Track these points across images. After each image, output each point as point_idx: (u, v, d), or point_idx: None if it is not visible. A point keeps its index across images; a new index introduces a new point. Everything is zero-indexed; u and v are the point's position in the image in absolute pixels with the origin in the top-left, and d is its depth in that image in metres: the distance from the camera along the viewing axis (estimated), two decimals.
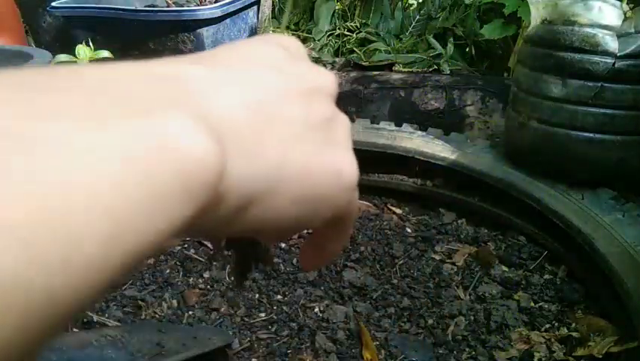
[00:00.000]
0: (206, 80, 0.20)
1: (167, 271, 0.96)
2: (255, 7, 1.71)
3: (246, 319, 0.86)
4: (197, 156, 0.17)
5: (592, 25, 0.93)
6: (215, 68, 0.21)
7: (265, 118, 0.21)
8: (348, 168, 0.25)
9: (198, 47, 1.47)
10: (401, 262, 0.99)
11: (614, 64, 0.91)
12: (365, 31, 1.91)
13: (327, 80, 0.26)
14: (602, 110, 0.94)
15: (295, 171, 0.22)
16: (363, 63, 1.76)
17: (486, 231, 1.09)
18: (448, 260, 1.01)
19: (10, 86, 0.15)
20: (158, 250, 0.16)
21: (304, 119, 0.23)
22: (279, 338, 0.82)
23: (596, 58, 0.92)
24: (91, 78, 0.17)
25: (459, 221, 1.13)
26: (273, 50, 0.25)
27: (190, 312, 0.87)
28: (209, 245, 1.02)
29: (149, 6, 1.65)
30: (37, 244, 0.13)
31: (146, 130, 0.16)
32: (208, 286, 0.92)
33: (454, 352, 0.80)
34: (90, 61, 1.28)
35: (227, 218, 0.20)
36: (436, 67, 1.71)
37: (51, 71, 0.17)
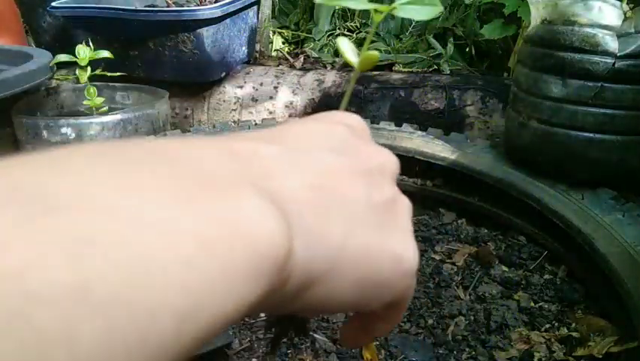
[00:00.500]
0: (275, 160, 0.21)
1: None
2: (255, 7, 1.71)
3: (246, 319, 0.86)
4: (267, 239, 0.17)
5: (592, 25, 0.93)
6: (284, 149, 0.22)
7: (328, 199, 0.21)
8: (409, 254, 0.24)
9: (198, 46, 1.47)
10: None
11: (614, 64, 0.91)
12: (365, 31, 1.91)
13: (389, 161, 0.26)
14: (602, 110, 0.94)
15: (356, 254, 0.22)
16: None
17: (486, 231, 1.09)
18: (448, 260, 1.01)
19: (105, 161, 0.16)
20: (228, 325, 0.17)
21: (366, 201, 0.23)
22: None
23: (596, 58, 0.92)
24: (176, 155, 0.18)
25: (459, 221, 1.13)
26: (339, 130, 0.25)
27: None
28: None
29: (149, 6, 1.65)
30: (118, 318, 0.13)
31: (220, 213, 0.16)
32: None
33: (454, 352, 0.80)
34: (90, 61, 1.28)
35: (291, 296, 0.21)
36: (436, 67, 1.71)
37: (140, 146, 0.18)
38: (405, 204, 0.26)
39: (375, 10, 0.30)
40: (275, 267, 0.18)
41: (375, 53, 0.31)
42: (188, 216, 0.16)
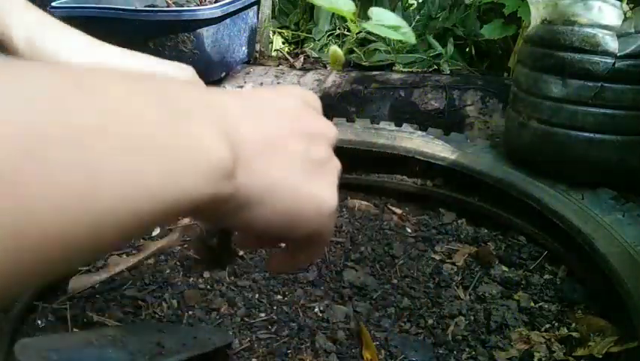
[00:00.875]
0: (238, 110, 0.28)
1: (167, 271, 0.96)
2: (255, 7, 1.71)
3: (246, 319, 0.86)
4: (217, 156, 0.24)
5: (592, 25, 0.93)
6: (247, 105, 0.29)
7: (273, 148, 0.29)
8: (329, 199, 0.32)
9: (198, 46, 1.47)
10: (401, 262, 0.99)
11: (614, 64, 0.91)
12: (365, 32, 1.91)
13: (330, 131, 0.34)
14: (602, 110, 0.94)
15: (286, 192, 0.29)
16: (363, 63, 1.76)
17: (486, 231, 1.09)
18: (448, 260, 1.01)
19: (124, 82, 0.23)
20: (170, 217, 0.24)
21: (303, 155, 0.30)
22: (279, 338, 0.82)
23: (596, 58, 0.92)
24: (173, 92, 0.25)
25: (459, 221, 1.13)
26: (295, 100, 0.33)
27: (190, 312, 0.87)
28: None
29: (149, 6, 1.65)
30: (124, 152, 0.21)
31: (191, 134, 0.24)
32: (208, 286, 0.92)
33: (454, 352, 0.80)
34: None
35: (232, 211, 0.28)
36: (436, 67, 1.71)
37: (152, 80, 0.26)
38: (335, 165, 0.34)
39: (353, 21, 0.40)
40: (220, 177, 0.25)
41: (339, 51, 0.39)
42: (169, 127, 0.23)
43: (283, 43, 1.99)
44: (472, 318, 0.87)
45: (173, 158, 0.23)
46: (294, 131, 0.30)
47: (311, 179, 0.30)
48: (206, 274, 0.95)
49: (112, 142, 0.20)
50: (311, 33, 1.98)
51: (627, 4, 0.95)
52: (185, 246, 1.03)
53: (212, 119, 0.26)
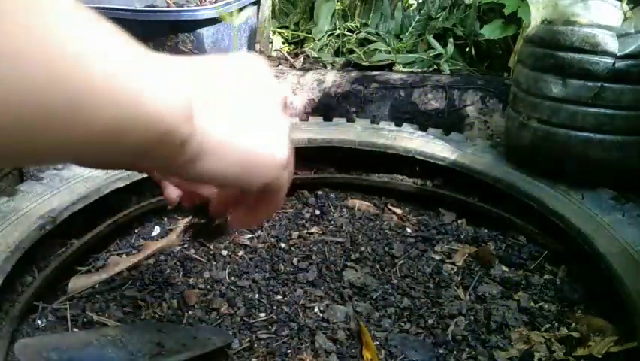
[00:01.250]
0: (192, 71, 0.31)
1: (167, 271, 0.96)
2: (255, 7, 1.71)
3: (246, 319, 0.86)
4: (175, 98, 0.27)
5: (592, 25, 0.93)
6: (201, 67, 0.32)
7: (227, 105, 0.32)
8: (281, 151, 0.34)
9: (198, 46, 1.46)
10: (401, 262, 0.99)
11: (614, 64, 0.91)
12: (365, 31, 1.91)
13: (277, 90, 0.37)
14: (602, 110, 0.94)
15: (238, 143, 0.32)
16: (363, 63, 1.76)
17: (486, 231, 1.09)
18: (448, 260, 1.01)
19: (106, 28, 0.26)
20: (134, 143, 0.26)
21: (256, 113, 0.34)
22: (279, 338, 0.82)
23: (596, 58, 0.92)
24: (148, 51, 0.29)
25: (459, 221, 1.13)
26: (245, 63, 0.36)
27: (190, 312, 0.87)
28: (210, 246, 1.02)
29: (149, 6, 1.65)
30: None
31: (158, 79, 0.27)
32: (208, 286, 0.92)
33: (454, 352, 0.80)
34: None
35: (186, 161, 0.29)
36: (436, 67, 1.71)
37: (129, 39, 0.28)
38: (285, 121, 0.36)
39: None
40: (178, 114, 0.27)
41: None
42: (142, 71, 0.26)
43: (283, 43, 1.99)
44: (472, 318, 0.87)
45: (144, 90, 0.26)
46: (246, 91, 0.34)
47: (261, 132, 0.33)
48: (207, 274, 0.95)
49: (103, 63, 0.24)
50: (311, 33, 1.98)
51: (627, 4, 0.95)
52: (185, 246, 1.03)
53: (170, 74, 0.29)
